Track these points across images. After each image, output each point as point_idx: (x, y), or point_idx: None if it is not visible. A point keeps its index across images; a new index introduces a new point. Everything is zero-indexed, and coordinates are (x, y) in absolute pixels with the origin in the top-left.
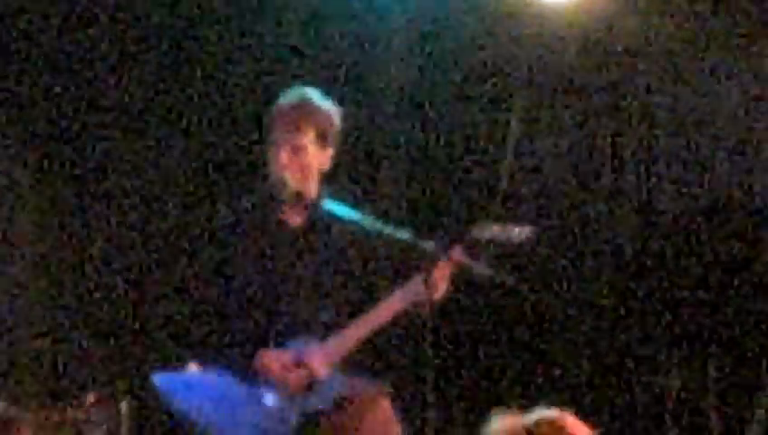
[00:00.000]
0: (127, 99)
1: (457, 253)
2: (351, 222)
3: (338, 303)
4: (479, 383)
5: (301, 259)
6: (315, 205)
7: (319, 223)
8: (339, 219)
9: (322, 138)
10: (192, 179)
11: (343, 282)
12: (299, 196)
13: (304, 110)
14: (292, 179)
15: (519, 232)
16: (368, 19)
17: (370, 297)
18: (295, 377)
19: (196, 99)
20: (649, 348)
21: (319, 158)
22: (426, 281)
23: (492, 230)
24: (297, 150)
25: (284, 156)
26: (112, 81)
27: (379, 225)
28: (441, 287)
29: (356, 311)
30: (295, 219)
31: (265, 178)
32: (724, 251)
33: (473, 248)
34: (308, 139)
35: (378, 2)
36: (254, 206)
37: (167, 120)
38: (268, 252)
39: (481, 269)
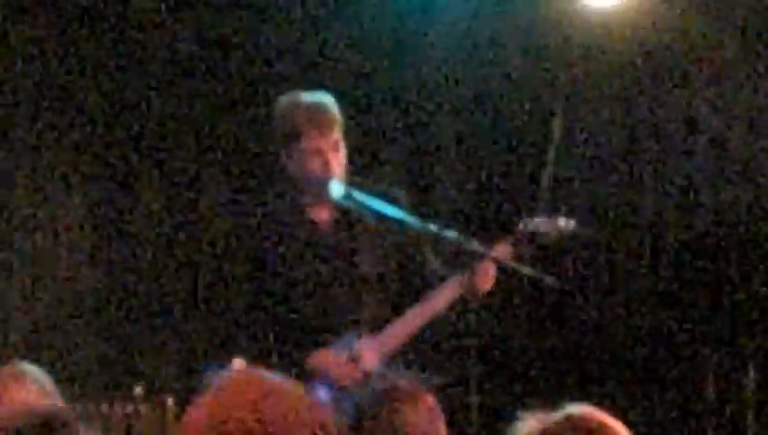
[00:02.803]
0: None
1: (501, 251)
2: (384, 215)
3: (380, 297)
4: (516, 381)
5: (337, 256)
6: (345, 201)
7: (349, 218)
8: (371, 212)
9: (342, 136)
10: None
11: (382, 275)
12: (347, 195)
13: (331, 112)
14: (339, 179)
15: (565, 224)
16: (414, 19)
17: (412, 291)
18: (349, 372)
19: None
20: (687, 350)
21: (344, 155)
22: (471, 278)
23: (538, 223)
24: (336, 150)
25: (330, 157)
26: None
27: (423, 223)
28: (485, 284)
29: (400, 305)
30: (323, 217)
31: (287, 181)
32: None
33: (519, 242)
34: (338, 137)
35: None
36: (283, 210)
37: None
38: (304, 253)
39: (523, 269)
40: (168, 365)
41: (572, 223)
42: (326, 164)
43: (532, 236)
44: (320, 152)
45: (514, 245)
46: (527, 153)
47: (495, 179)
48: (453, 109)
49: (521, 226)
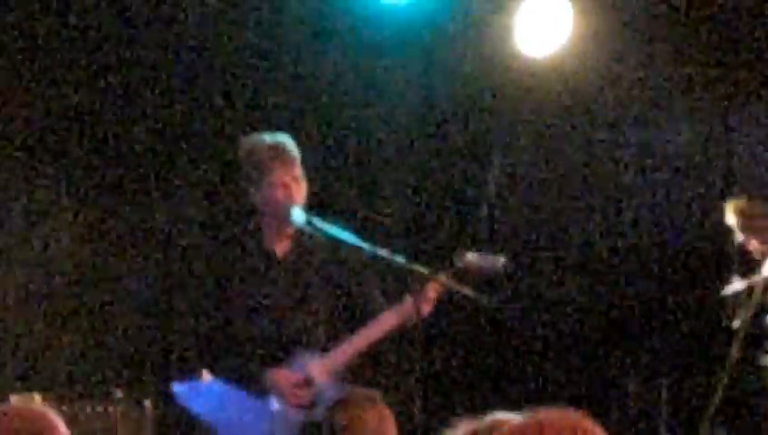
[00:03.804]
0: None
1: (444, 277)
2: (337, 243)
3: (330, 319)
4: (460, 392)
5: (291, 284)
6: (300, 232)
7: (305, 249)
8: (324, 242)
9: (302, 172)
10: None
11: (333, 300)
12: (308, 222)
13: (292, 149)
14: (300, 208)
15: (496, 261)
16: (356, 69)
17: (362, 313)
18: (302, 394)
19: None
20: (613, 358)
21: (305, 187)
22: (416, 300)
23: (473, 258)
24: (298, 183)
25: (293, 188)
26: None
27: (371, 247)
28: (428, 307)
29: (351, 325)
30: (281, 249)
31: (252, 215)
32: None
33: (458, 274)
34: (299, 172)
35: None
36: (246, 242)
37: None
38: (263, 280)
39: (465, 291)
40: (147, 372)
41: (502, 260)
42: (289, 194)
43: (469, 270)
44: (284, 185)
45: (453, 275)
46: (464, 188)
47: (434, 214)
48: (398, 152)
49: (458, 260)
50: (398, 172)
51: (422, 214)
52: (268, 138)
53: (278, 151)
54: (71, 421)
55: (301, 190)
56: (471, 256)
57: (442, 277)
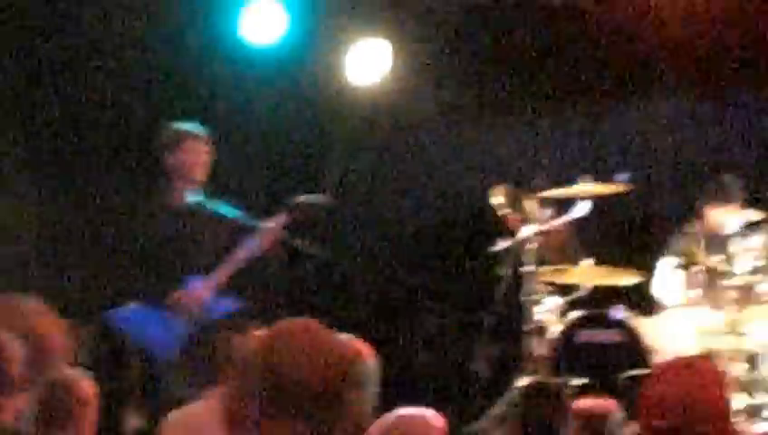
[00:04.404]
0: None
1: (279, 220)
2: (216, 211)
3: (212, 253)
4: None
5: (188, 229)
6: (198, 201)
7: (199, 207)
8: (210, 209)
9: (209, 154)
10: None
11: (213, 241)
12: (200, 198)
13: (203, 133)
14: (202, 180)
15: (322, 199)
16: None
17: (228, 250)
18: (190, 304)
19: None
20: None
21: (208, 166)
22: (261, 240)
23: (302, 199)
24: (205, 159)
25: (206, 165)
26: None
27: (235, 211)
28: (269, 244)
29: (222, 259)
30: (184, 205)
31: (165, 180)
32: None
33: (293, 211)
34: (207, 152)
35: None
36: (160, 200)
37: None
38: (168, 226)
39: (296, 242)
40: (89, 302)
41: (327, 198)
42: (198, 163)
43: (300, 206)
44: (195, 153)
45: (290, 212)
46: (314, 180)
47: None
48: (265, 152)
49: (292, 202)
50: (262, 169)
51: (281, 199)
52: (186, 124)
53: (192, 130)
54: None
55: (206, 164)
56: (301, 198)
57: (278, 222)
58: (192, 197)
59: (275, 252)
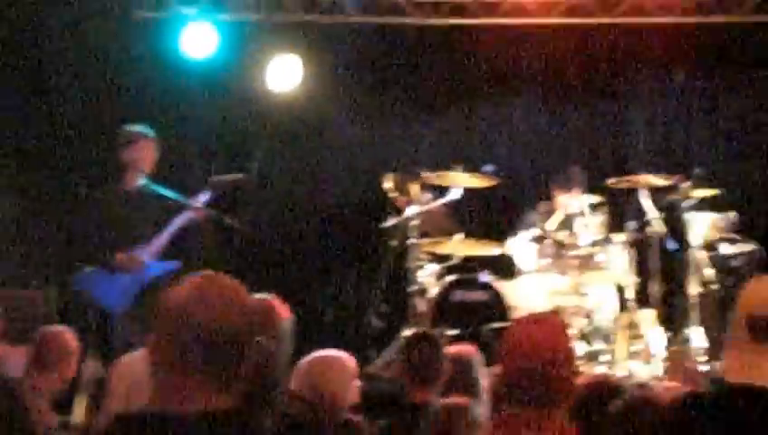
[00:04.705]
0: None
1: (203, 197)
2: (160, 193)
3: (154, 224)
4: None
5: (136, 208)
6: (144, 186)
7: (146, 192)
8: (153, 192)
9: (156, 150)
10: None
11: (155, 219)
12: (147, 183)
13: (151, 134)
14: (148, 172)
15: (237, 177)
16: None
17: (166, 223)
18: (132, 264)
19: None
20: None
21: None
22: (192, 213)
23: (218, 177)
24: (153, 155)
25: (153, 158)
26: None
27: (173, 193)
28: (200, 214)
29: (161, 229)
30: (133, 191)
31: (119, 170)
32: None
33: (214, 187)
34: (155, 148)
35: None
36: (114, 185)
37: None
38: (120, 206)
39: (224, 219)
40: (52, 268)
41: (243, 176)
42: (146, 157)
43: (217, 183)
44: (145, 149)
45: (213, 189)
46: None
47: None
48: (207, 150)
49: (211, 179)
50: (200, 160)
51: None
52: (139, 127)
53: (143, 131)
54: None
55: (153, 159)
56: (217, 177)
57: (201, 199)
58: (140, 182)
59: (207, 226)
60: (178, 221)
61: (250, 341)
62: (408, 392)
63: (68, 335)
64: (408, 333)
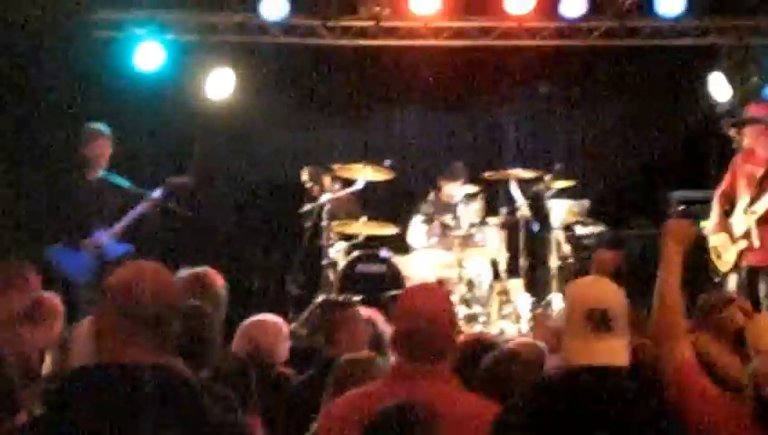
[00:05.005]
0: None
1: (160, 192)
2: (117, 184)
3: (115, 209)
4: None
5: (96, 194)
6: (104, 177)
7: (106, 182)
8: (112, 182)
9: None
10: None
11: (113, 204)
12: (106, 174)
13: (108, 131)
14: (105, 165)
15: (182, 179)
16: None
17: (124, 211)
18: (97, 248)
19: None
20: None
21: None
22: (146, 206)
23: (174, 178)
24: (108, 150)
25: (109, 153)
26: None
27: (129, 184)
28: (153, 208)
29: (120, 216)
30: (95, 180)
31: (83, 162)
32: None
33: (170, 186)
34: (109, 145)
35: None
36: (78, 174)
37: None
38: (84, 193)
39: (170, 205)
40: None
41: (187, 179)
42: (104, 152)
43: (172, 183)
44: (102, 145)
45: (168, 188)
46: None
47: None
48: (160, 150)
49: (168, 179)
50: (149, 156)
51: (162, 176)
52: (98, 125)
53: (102, 129)
54: None
55: (106, 151)
56: (173, 178)
57: (156, 197)
58: (100, 173)
59: (155, 212)
60: (138, 209)
61: (176, 312)
62: (323, 348)
63: (56, 300)
64: (320, 298)
